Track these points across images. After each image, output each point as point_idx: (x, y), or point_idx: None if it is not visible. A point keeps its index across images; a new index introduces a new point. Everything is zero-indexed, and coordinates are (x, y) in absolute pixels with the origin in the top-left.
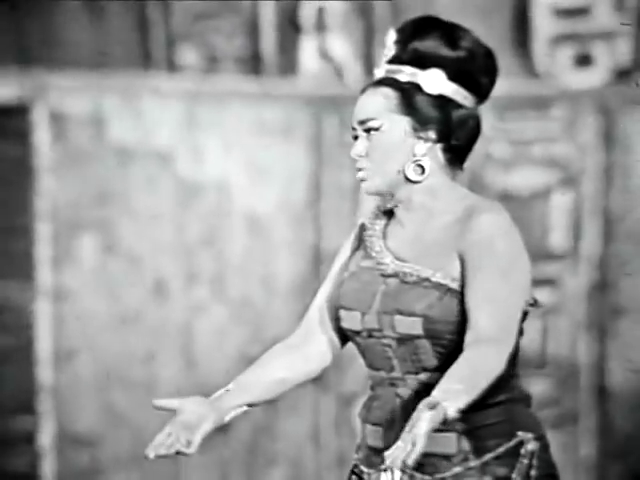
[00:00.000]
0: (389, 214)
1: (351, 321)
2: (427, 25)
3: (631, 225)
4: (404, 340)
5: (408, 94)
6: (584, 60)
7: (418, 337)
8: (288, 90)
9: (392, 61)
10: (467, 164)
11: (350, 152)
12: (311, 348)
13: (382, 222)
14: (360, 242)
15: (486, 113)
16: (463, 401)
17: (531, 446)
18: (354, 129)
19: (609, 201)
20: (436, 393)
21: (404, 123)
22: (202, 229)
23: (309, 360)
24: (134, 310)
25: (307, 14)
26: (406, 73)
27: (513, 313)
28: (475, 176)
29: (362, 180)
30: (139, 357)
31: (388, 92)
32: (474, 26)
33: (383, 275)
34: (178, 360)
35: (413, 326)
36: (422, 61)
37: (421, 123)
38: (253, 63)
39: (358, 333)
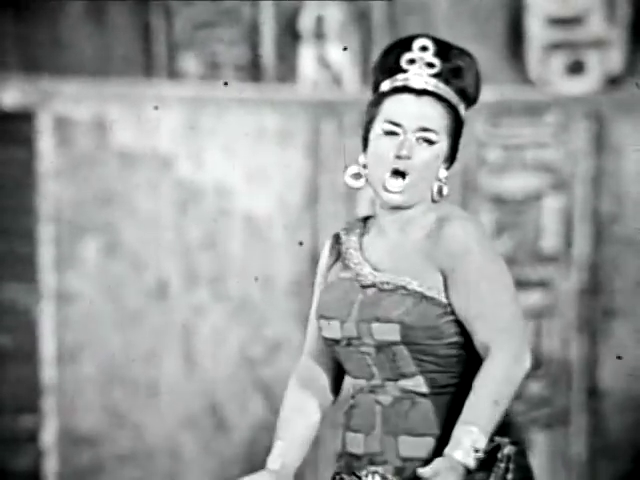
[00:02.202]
0: (363, 223)
1: (330, 330)
2: (467, 59)
3: (621, 228)
4: (382, 347)
5: (457, 121)
6: (576, 67)
7: (396, 343)
8: (287, 96)
9: (437, 76)
10: (461, 168)
11: (397, 150)
12: (324, 379)
13: (357, 232)
14: (338, 254)
15: (480, 119)
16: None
17: (507, 450)
18: (398, 125)
19: (600, 205)
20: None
21: (445, 145)
22: (202, 231)
23: (328, 392)
24: (136, 311)
25: (306, 22)
26: (453, 99)
27: (514, 311)
28: (469, 180)
29: (396, 192)
30: (141, 357)
31: (445, 112)
32: (470, 34)
33: (362, 286)
34: (179, 360)
35: (390, 332)
36: (462, 94)
37: (451, 150)
38: (253, 70)
39: (337, 342)
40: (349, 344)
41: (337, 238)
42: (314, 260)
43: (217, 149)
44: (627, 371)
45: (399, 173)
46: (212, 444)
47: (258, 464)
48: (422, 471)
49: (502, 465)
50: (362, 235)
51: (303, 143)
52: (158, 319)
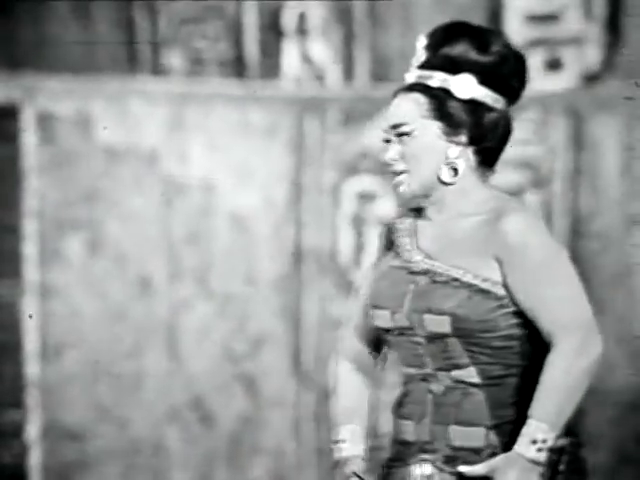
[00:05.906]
0: (416, 212)
1: (382, 319)
2: (457, 30)
3: (599, 224)
4: (433, 338)
5: (439, 100)
6: (554, 64)
7: (447, 335)
8: (271, 92)
9: (423, 66)
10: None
11: (384, 156)
12: (371, 360)
13: (409, 221)
14: (390, 243)
15: None
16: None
17: (561, 442)
18: (385, 132)
19: (578, 201)
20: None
21: (435, 128)
22: (187, 227)
23: (373, 373)
24: (120, 306)
25: (289, 19)
26: (437, 79)
27: (577, 300)
28: None
29: (398, 185)
30: (125, 352)
31: (419, 98)
32: None
33: (413, 272)
34: (163, 355)
35: (442, 324)
36: (453, 66)
37: (453, 127)
38: (237, 66)
39: (389, 331)
40: (401, 334)
41: (390, 228)
42: (297, 255)
43: (201, 145)
44: (605, 366)
45: (397, 173)
46: (196, 438)
47: (241, 456)
48: (472, 469)
49: (553, 456)
50: (414, 224)
51: (287, 139)
52: (142, 315)
